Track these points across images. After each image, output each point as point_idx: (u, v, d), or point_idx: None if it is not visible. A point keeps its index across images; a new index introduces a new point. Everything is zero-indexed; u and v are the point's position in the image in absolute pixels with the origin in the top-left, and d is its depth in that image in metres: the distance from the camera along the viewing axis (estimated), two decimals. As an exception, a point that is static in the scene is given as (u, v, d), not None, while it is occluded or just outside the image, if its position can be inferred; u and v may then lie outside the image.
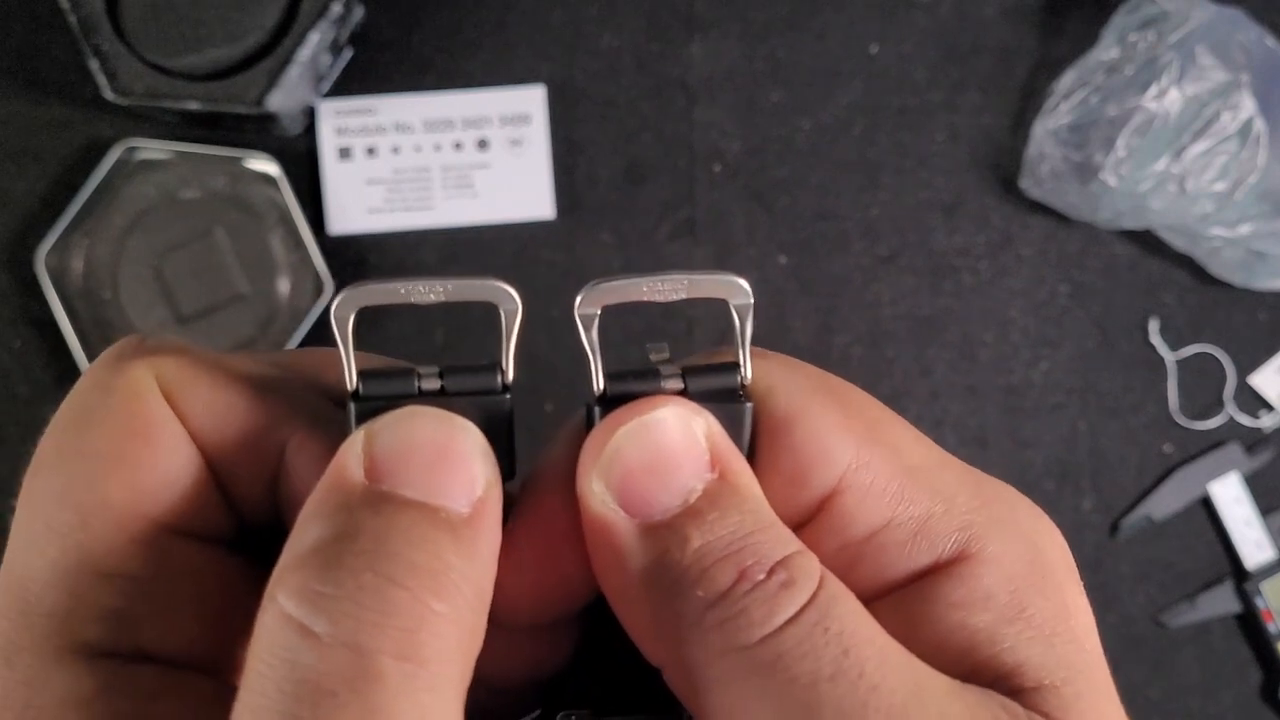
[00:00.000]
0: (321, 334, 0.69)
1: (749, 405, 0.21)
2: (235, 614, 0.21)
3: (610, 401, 0.21)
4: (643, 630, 0.20)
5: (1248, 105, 0.65)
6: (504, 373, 0.21)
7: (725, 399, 0.21)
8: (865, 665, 0.18)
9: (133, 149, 0.68)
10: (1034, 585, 0.20)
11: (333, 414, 0.22)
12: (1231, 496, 0.71)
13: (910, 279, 0.72)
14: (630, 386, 0.21)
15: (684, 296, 0.21)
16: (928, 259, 0.72)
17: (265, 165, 0.68)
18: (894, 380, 0.71)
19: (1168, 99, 0.65)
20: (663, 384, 0.21)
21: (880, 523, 0.21)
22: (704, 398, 0.21)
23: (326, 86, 0.70)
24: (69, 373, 0.68)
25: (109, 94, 0.64)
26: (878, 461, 0.21)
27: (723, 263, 0.71)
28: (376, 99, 0.70)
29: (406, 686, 0.17)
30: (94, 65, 0.63)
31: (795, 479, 0.21)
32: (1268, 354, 0.72)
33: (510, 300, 0.21)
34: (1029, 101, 0.72)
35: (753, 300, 0.21)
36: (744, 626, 0.18)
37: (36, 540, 0.20)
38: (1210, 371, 0.72)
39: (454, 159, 0.70)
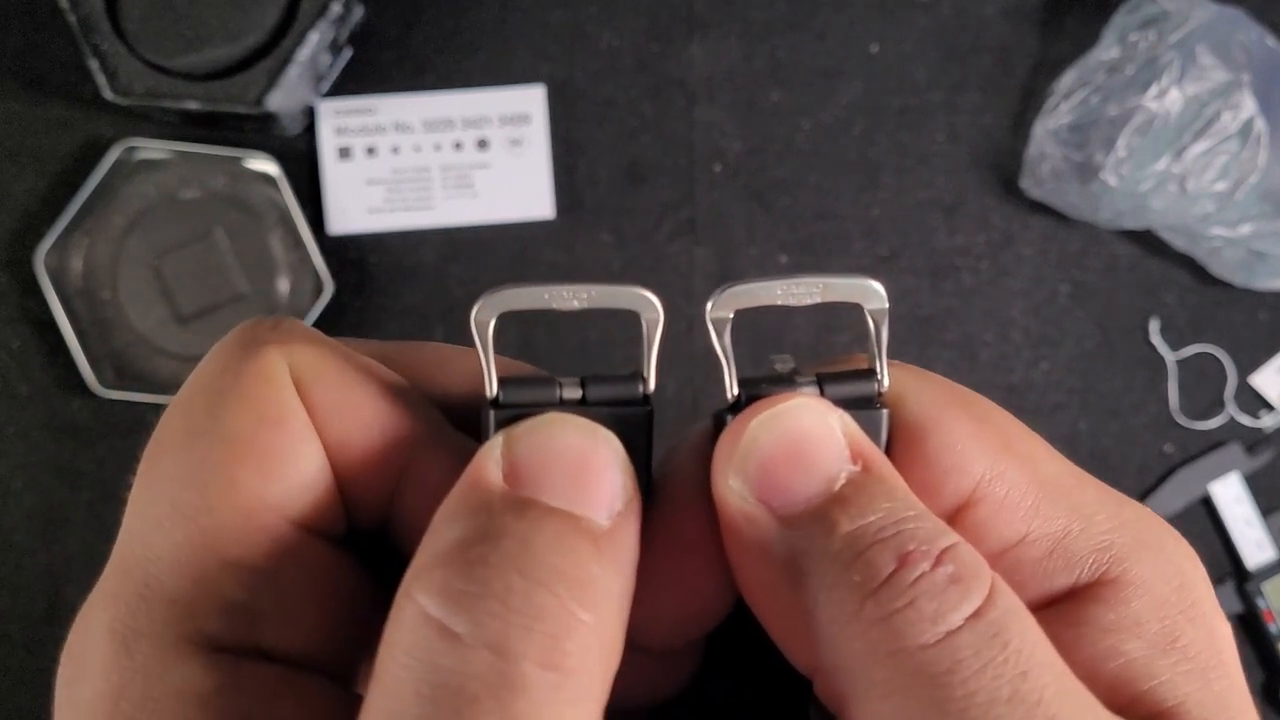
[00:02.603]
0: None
1: (885, 411, 0.20)
2: (353, 615, 0.21)
3: (743, 408, 0.20)
4: (792, 635, 0.19)
5: (1248, 105, 0.65)
6: (645, 382, 0.20)
7: (860, 405, 0.20)
8: (1045, 692, 0.17)
9: (132, 149, 0.68)
10: (1184, 613, 0.19)
11: (455, 420, 0.22)
12: (1232, 496, 0.71)
13: (910, 279, 0.72)
14: (764, 392, 0.20)
15: (818, 300, 0.20)
16: (928, 259, 0.72)
17: (265, 165, 0.68)
18: (894, 380, 0.71)
19: (1168, 99, 0.65)
20: (798, 390, 0.20)
21: (1015, 538, 0.20)
22: (839, 404, 0.20)
23: (326, 86, 0.70)
24: (68, 373, 0.68)
25: (108, 94, 0.64)
26: (1013, 473, 0.20)
27: (723, 263, 0.71)
28: (376, 99, 0.70)
29: (550, 696, 0.16)
30: (94, 65, 0.63)
31: (928, 489, 0.20)
32: (1268, 354, 0.72)
33: (652, 309, 0.20)
34: (1029, 101, 0.72)
35: (888, 305, 0.20)
36: (913, 622, 0.17)
37: (159, 521, 0.19)
38: (1211, 371, 0.72)
39: (454, 159, 0.70)
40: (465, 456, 0.20)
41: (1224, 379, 0.72)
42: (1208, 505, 0.71)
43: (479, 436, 0.22)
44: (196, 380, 0.20)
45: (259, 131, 0.69)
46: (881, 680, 0.17)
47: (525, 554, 0.17)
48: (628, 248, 0.71)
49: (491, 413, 0.20)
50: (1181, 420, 0.72)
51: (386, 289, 0.70)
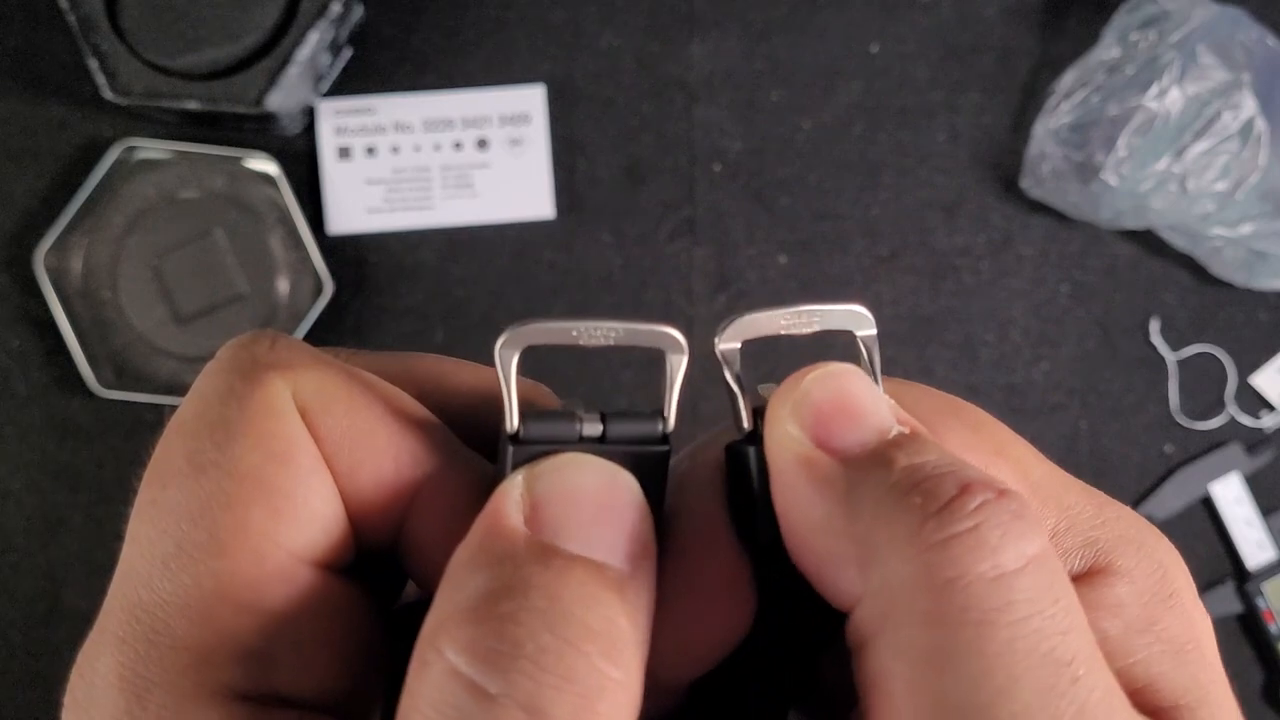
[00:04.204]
0: (322, 335, 0.69)
1: None
2: (363, 650, 0.20)
3: (758, 439, 0.20)
4: (843, 571, 0.18)
5: (1249, 105, 0.65)
6: (665, 421, 0.20)
7: None
8: (1078, 654, 0.17)
9: (132, 149, 0.68)
10: (1164, 601, 0.20)
11: (465, 446, 0.21)
12: (1232, 497, 0.71)
13: (910, 279, 0.71)
14: None
15: (816, 329, 0.20)
16: (928, 259, 0.72)
17: (264, 165, 0.68)
18: (894, 380, 0.71)
19: (1169, 98, 0.65)
20: None
21: None
22: None
23: (326, 86, 0.70)
24: (67, 373, 0.68)
25: (108, 94, 0.64)
26: (1003, 477, 0.20)
27: (722, 263, 0.71)
28: (376, 98, 0.70)
29: None
30: (93, 65, 0.63)
31: None
32: (1269, 354, 0.72)
33: (679, 348, 0.20)
34: (1030, 101, 0.72)
35: (876, 331, 0.21)
36: (973, 549, 0.17)
37: (166, 561, 0.18)
38: (1211, 371, 0.72)
39: (454, 159, 0.70)
40: (477, 479, 0.20)
41: (1224, 379, 0.72)
42: (1208, 505, 0.71)
43: (482, 451, 0.21)
44: (197, 406, 0.20)
45: (259, 131, 0.69)
46: (925, 610, 0.17)
47: (555, 610, 0.17)
48: (627, 248, 0.71)
49: (511, 448, 0.19)
50: (1182, 420, 0.72)
51: (386, 289, 0.70)
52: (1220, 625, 0.72)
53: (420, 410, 0.21)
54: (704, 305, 0.71)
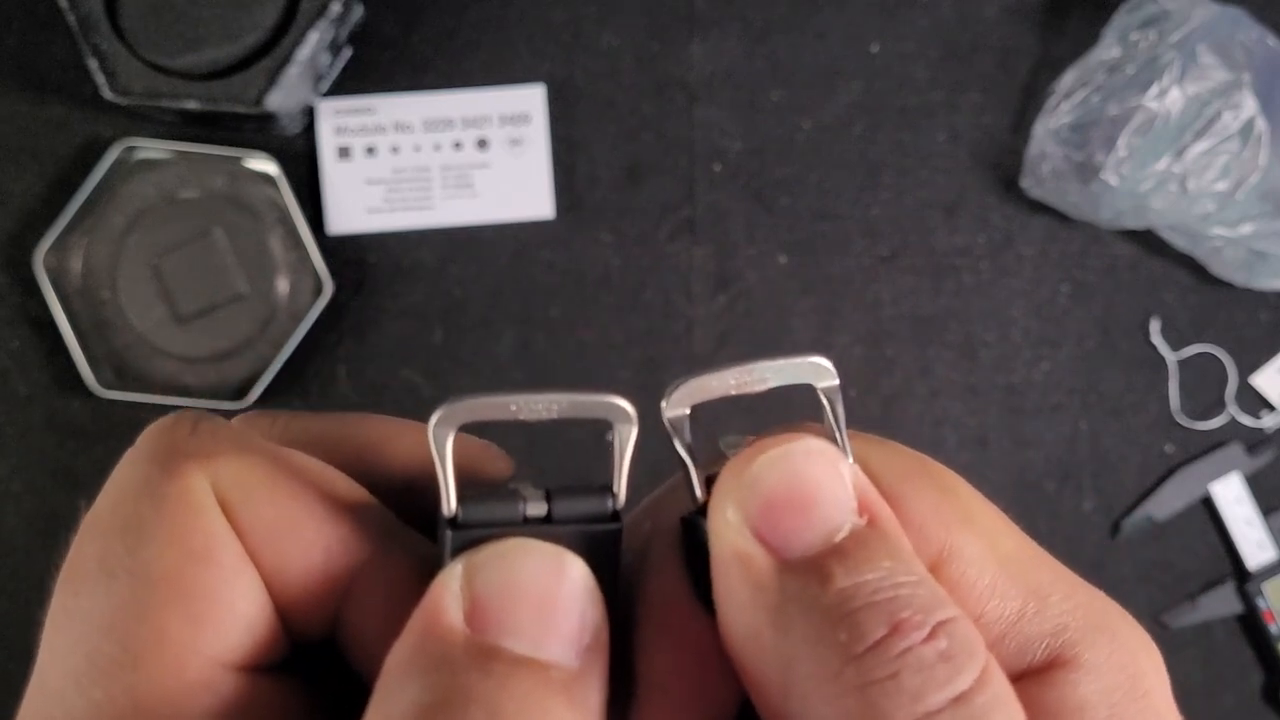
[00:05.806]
0: (322, 334, 0.69)
1: None
2: None
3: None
4: (766, 686, 0.17)
5: (1249, 105, 0.65)
6: (616, 498, 0.19)
7: None
8: None
9: (131, 148, 0.68)
10: (1135, 702, 0.18)
11: (399, 503, 0.20)
12: (1233, 497, 0.71)
13: (911, 279, 0.71)
14: None
15: (771, 385, 0.19)
16: (928, 259, 0.72)
17: (264, 165, 0.68)
18: (894, 380, 0.71)
19: (1169, 98, 0.65)
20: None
21: (970, 617, 0.19)
22: None
23: (326, 86, 0.70)
24: (67, 373, 0.68)
25: (108, 93, 0.64)
26: (971, 549, 0.19)
27: (722, 263, 0.71)
28: (376, 98, 0.70)
29: None
30: (93, 64, 0.63)
31: None
32: (1269, 354, 0.72)
33: (627, 419, 0.19)
34: (1030, 101, 0.72)
35: (838, 381, 0.19)
36: (892, 696, 0.16)
37: (77, 675, 0.17)
38: (1212, 371, 0.72)
39: (453, 159, 0.70)
40: (417, 563, 0.19)
41: (1225, 379, 0.72)
42: (1208, 505, 0.71)
43: (422, 525, 0.20)
44: (110, 501, 0.19)
45: (258, 131, 0.69)
46: None
47: None
48: (627, 248, 0.71)
49: (449, 533, 0.18)
50: (1182, 420, 0.72)
51: (386, 289, 0.70)
52: (1221, 626, 0.72)
53: (354, 491, 0.20)
54: (703, 306, 0.71)
